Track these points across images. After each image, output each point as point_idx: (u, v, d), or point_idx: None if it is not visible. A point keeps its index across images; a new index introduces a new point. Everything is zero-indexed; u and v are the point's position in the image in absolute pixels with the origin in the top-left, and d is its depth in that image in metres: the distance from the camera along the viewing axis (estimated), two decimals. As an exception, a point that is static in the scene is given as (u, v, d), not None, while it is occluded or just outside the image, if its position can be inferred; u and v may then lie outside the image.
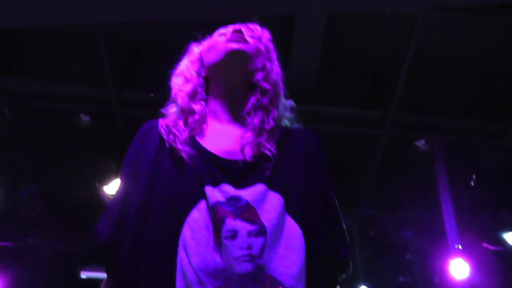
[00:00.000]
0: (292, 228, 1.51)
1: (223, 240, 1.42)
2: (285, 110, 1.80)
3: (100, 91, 5.02)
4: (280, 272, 1.42)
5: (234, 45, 1.71)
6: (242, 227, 1.44)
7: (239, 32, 1.76)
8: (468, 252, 6.34)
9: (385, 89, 5.06)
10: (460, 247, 6.39)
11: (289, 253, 1.46)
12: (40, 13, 2.89)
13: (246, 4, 3.48)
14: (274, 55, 1.85)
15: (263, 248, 1.42)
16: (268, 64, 1.78)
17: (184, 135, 1.67)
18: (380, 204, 6.35)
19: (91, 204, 5.67)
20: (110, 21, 4.12)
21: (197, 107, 1.73)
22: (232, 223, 1.44)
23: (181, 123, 1.70)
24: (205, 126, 1.72)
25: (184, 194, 1.53)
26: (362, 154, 5.73)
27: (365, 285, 6.72)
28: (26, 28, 4.57)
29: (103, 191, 5.28)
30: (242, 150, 1.62)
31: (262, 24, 4.44)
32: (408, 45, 4.55)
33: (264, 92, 1.73)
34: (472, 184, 5.67)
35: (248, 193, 1.51)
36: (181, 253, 1.44)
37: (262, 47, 1.79)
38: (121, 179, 1.70)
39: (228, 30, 1.80)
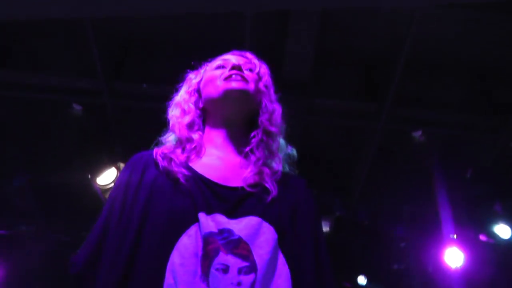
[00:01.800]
0: (284, 267, 1.50)
1: (214, 271, 1.39)
2: (285, 151, 1.81)
3: (91, 82, 4.94)
4: None
5: (234, 84, 1.70)
6: (234, 263, 1.41)
7: (239, 68, 1.73)
8: (462, 242, 6.35)
9: (381, 82, 4.99)
10: (455, 237, 6.40)
11: None
12: (29, 7, 2.82)
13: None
14: (273, 92, 1.84)
15: (252, 285, 1.40)
16: (269, 105, 1.78)
17: (181, 159, 1.67)
18: (375, 195, 6.33)
19: (83, 194, 5.65)
20: (99, 16, 4.03)
21: (195, 136, 1.74)
22: (224, 257, 1.42)
23: (178, 150, 1.71)
24: (202, 155, 1.72)
25: (176, 218, 1.50)
26: (357, 146, 5.69)
27: (361, 274, 6.79)
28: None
29: (95, 183, 5.22)
30: (242, 178, 1.62)
31: (256, 17, 4.33)
32: (405, 38, 4.46)
33: (268, 134, 1.74)
34: (468, 177, 5.63)
35: (242, 226, 1.49)
36: (168, 280, 1.41)
37: (261, 85, 1.79)
38: (106, 204, 1.66)
39: (226, 62, 1.78)
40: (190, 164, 1.66)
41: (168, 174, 1.60)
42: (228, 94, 1.71)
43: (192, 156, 1.70)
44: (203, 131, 1.79)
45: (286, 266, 1.50)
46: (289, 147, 1.83)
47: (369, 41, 4.84)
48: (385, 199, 6.42)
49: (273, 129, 1.74)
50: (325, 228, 5.99)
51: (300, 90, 4.82)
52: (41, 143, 5.63)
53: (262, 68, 1.84)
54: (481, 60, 4.94)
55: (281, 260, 1.51)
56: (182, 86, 1.90)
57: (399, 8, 4.29)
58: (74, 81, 4.98)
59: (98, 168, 5.27)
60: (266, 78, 1.83)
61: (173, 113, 1.82)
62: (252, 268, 1.42)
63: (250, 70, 1.80)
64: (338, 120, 5.23)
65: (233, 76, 1.71)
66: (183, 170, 1.60)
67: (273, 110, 1.78)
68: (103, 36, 4.64)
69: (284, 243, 1.53)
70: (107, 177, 5.20)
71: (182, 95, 1.85)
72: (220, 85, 1.72)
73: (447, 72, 4.99)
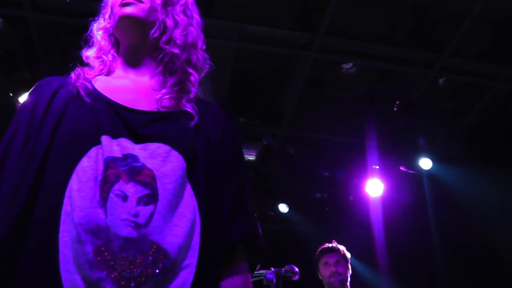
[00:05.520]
0: (190, 198, 1.44)
1: (113, 196, 1.33)
2: (202, 72, 1.71)
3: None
4: (168, 241, 1.34)
5: (124, 10, 1.60)
6: (134, 191, 1.35)
7: None
8: (384, 173, 6.61)
9: (315, 12, 4.93)
10: (377, 167, 6.65)
11: (181, 222, 1.38)
12: None
13: None
14: (179, 4, 1.72)
15: (151, 216, 1.34)
16: (169, 22, 1.66)
17: (88, 76, 1.60)
18: (302, 124, 6.41)
19: (5, 113, 5.40)
20: None
21: (106, 57, 1.68)
22: (123, 185, 1.35)
23: (88, 69, 1.65)
24: (112, 77, 1.65)
25: (77, 140, 1.42)
26: (288, 75, 5.68)
27: (283, 203, 6.91)
28: None
29: (17, 102, 4.99)
30: (155, 101, 1.55)
31: None
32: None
33: (173, 55, 1.63)
34: (395, 110, 5.77)
35: (148, 153, 1.42)
36: (66, 207, 1.34)
37: (157, 3, 1.66)
38: (9, 128, 1.52)
39: None
40: (99, 85, 1.58)
41: (77, 92, 1.52)
42: (120, 23, 1.62)
43: (102, 75, 1.64)
44: (116, 55, 1.71)
45: (194, 198, 1.44)
46: (207, 64, 1.73)
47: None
48: (313, 129, 6.52)
49: (175, 50, 1.63)
50: (251, 157, 6.04)
51: (233, 13, 4.72)
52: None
53: None
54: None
55: (189, 191, 1.44)
56: (102, 10, 1.79)
57: None
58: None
59: (20, 86, 5.03)
60: None
61: (88, 51, 1.73)
62: (152, 197, 1.36)
63: None
64: (269, 47, 5.16)
65: (126, 1, 1.60)
66: (88, 85, 1.54)
67: (174, 26, 1.66)
68: None
69: (194, 174, 1.47)
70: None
71: (99, 21, 1.76)
72: (115, 13, 1.63)
73: (383, 4, 4.98)
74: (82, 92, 1.51)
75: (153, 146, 1.44)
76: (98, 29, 1.74)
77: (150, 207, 1.35)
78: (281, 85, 5.88)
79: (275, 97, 6.08)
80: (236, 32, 4.93)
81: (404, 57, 5.35)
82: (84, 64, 1.70)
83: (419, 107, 5.75)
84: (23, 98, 5.02)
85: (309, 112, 6.13)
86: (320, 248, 4.66)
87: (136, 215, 1.32)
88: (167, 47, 1.63)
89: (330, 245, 4.63)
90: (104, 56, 1.69)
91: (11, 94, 5.01)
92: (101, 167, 1.36)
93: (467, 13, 4.89)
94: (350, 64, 5.41)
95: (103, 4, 1.78)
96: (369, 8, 4.98)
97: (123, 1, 1.61)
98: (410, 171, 6.43)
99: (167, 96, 1.56)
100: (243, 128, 5.73)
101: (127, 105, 1.52)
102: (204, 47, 1.74)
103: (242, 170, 1.64)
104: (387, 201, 6.82)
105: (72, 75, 1.58)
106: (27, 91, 4.94)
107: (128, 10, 1.60)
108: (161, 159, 1.42)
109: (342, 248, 4.60)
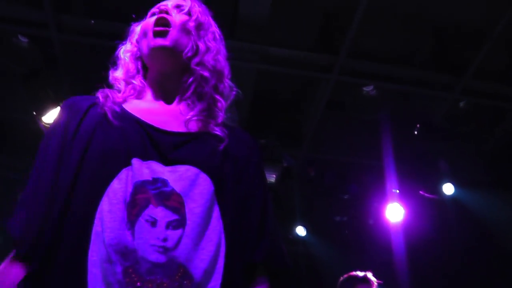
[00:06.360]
0: (217, 221, 1.46)
1: (142, 221, 1.36)
2: (230, 96, 1.74)
3: (37, 13, 4.70)
4: (195, 265, 1.37)
5: (157, 41, 1.63)
6: (163, 216, 1.38)
7: (163, 18, 1.65)
8: (404, 198, 6.52)
9: (337, 34, 4.94)
10: (398, 192, 6.57)
11: (208, 246, 1.41)
12: None
13: None
14: (210, 31, 1.75)
15: (179, 240, 1.37)
16: (201, 46, 1.68)
17: (118, 99, 1.62)
18: (323, 146, 6.39)
19: (26, 130, 5.47)
20: None
21: (135, 81, 1.71)
22: (153, 210, 1.38)
23: (117, 92, 1.67)
24: (142, 99, 1.68)
25: (108, 161, 1.45)
26: (309, 97, 5.68)
27: (301, 225, 6.85)
28: None
29: (41, 121, 5.04)
30: (184, 123, 1.58)
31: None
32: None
33: (202, 78, 1.66)
34: (416, 133, 5.73)
35: (177, 176, 1.44)
36: (97, 227, 1.37)
37: (191, 26, 1.68)
38: (40, 152, 1.55)
39: (158, 7, 1.70)
40: (128, 107, 1.60)
41: (105, 114, 1.54)
42: (153, 54, 1.65)
43: (131, 99, 1.67)
44: (145, 79, 1.74)
45: (220, 221, 1.46)
46: (233, 92, 1.76)
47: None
48: (333, 151, 6.49)
49: (205, 73, 1.66)
50: (271, 178, 6.02)
51: (255, 35, 4.75)
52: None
53: (195, 7, 1.74)
54: (439, 18, 4.94)
55: (216, 213, 1.47)
56: (130, 35, 1.83)
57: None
58: (20, 11, 4.73)
59: (44, 105, 5.09)
60: (198, 16, 1.72)
61: (115, 72, 1.76)
62: (181, 222, 1.38)
63: (178, 7, 1.72)
64: (291, 69, 5.17)
65: (157, 29, 1.63)
66: (116, 108, 1.56)
67: (206, 50, 1.69)
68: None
69: (222, 196, 1.49)
70: (53, 116, 5.03)
71: (124, 51, 1.78)
72: (147, 43, 1.66)
73: (404, 27, 4.98)
74: (110, 115, 1.53)
75: (182, 168, 1.46)
76: (126, 52, 1.77)
77: (178, 231, 1.38)
78: (302, 107, 5.88)
79: (296, 118, 6.08)
80: (258, 54, 4.95)
81: (424, 79, 5.33)
82: (109, 85, 1.73)
83: (439, 129, 5.70)
84: (46, 117, 5.07)
85: (329, 134, 6.11)
86: (349, 276, 4.24)
87: (165, 240, 1.36)
88: (198, 68, 1.65)
89: (361, 274, 4.19)
90: (133, 81, 1.71)
91: (35, 113, 5.07)
92: (130, 189, 1.39)
93: (487, 35, 4.86)
94: (371, 87, 5.39)
95: (130, 29, 1.82)
96: (390, 30, 4.98)
97: (155, 29, 1.63)
98: (431, 196, 6.34)
99: (195, 118, 1.60)
100: (263, 150, 5.73)
101: (156, 126, 1.54)
102: (229, 76, 1.77)
103: (266, 193, 1.66)
104: (408, 226, 6.72)
105: (100, 96, 1.60)
106: (51, 110, 5.03)
107: (161, 41, 1.63)
108: (190, 182, 1.45)
109: (374, 280, 4.19)
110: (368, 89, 5.44)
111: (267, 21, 4.67)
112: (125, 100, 1.65)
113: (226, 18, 4.58)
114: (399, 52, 5.22)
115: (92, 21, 4.68)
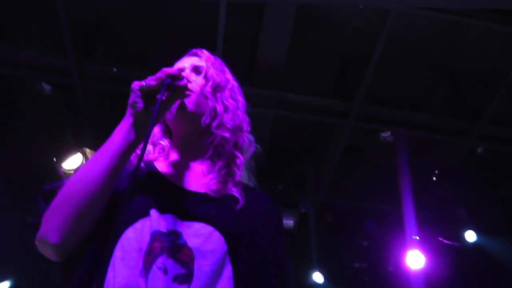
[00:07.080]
0: (229, 280, 1.47)
1: (155, 269, 1.37)
2: (249, 152, 1.79)
3: (60, 61, 4.82)
4: None
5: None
6: (172, 268, 1.39)
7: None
8: (425, 244, 6.42)
9: (352, 80, 4.99)
10: (418, 238, 6.47)
11: None
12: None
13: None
14: (227, 89, 1.79)
15: None
16: (219, 108, 1.73)
17: (150, 158, 1.72)
18: (340, 192, 6.36)
19: (47, 176, 5.51)
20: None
21: (163, 142, 1.78)
22: (166, 259, 1.39)
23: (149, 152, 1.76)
24: (170, 159, 1.75)
25: (129, 212, 1.48)
26: (325, 142, 5.69)
27: (319, 271, 6.74)
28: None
29: (60, 167, 5.10)
30: (204, 184, 1.63)
31: (232, 6, 4.21)
32: (379, 37, 4.48)
33: (222, 138, 1.71)
34: (434, 179, 5.69)
35: (192, 232, 1.48)
36: (110, 274, 1.39)
37: (208, 91, 1.73)
38: None
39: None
40: (156, 164, 1.69)
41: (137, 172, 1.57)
42: (172, 118, 1.71)
43: (160, 158, 1.74)
44: (171, 139, 1.81)
45: (232, 281, 1.46)
46: (252, 147, 1.81)
47: (344, 38, 4.84)
48: (351, 197, 6.45)
49: (226, 134, 1.71)
50: (289, 224, 5.98)
51: (272, 82, 4.81)
52: (7, 121, 5.47)
53: (211, 69, 1.79)
54: (454, 63, 4.98)
55: (228, 273, 1.47)
56: None
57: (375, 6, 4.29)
58: (42, 58, 4.85)
59: (64, 151, 5.15)
60: (214, 79, 1.76)
61: None
62: (187, 277, 1.39)
63: (196, 69, 1.78)
64: (308, 115, 5.22)
65: None
66: (146, 168, 1.64)
67: (225, 110, 1.74)
68: (74, 14, 4.51)
69: (237, 256, 1.50)
70: (72, 162, 5.08)
71: None
72: None
73: (420, 73, 5.02)
74: (141, 173, 1.58)
75: (198, 225, 1.50)
76: None
77: (183, 287, 1.38)
78: (319, 152, 5.89)
79: (313, 164, 6.08)
80: (275, 100, 5.00)
81: (441, 125, 5.33)
82: None
83: (458, 175, 5.66)
84: (66, 163, 5.12)
85: (347, 179, 6.09)
86: None
87: None
88: (218, 132, 1.70)
89: None
90: (160, 141, 1.78)
91: (55, 159, 5.13)
92: (147, 238, 1.42)
93: (502, 80, 4.87)
94: (388, 133, 5.40)
95: None
96: (405, 76, 5.02)
97: None
98: (453, 244, 6.23)
99: (215, 181, 1.64)
100: (280, 195, 5.72)
101: (179, 185, 1.61)
102: (249, 129, 1.82)
103: (284, 253, 1.67)
104: (429, 273, 6.58)
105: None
106: (71, 156, 5.08)
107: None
108: (204, 239, 1.47)
109: None
110: (386, 135, 5.45)
111: (285, 67, 4.74)
112: (154, 159, 1.72)
113: (244, 64, 4.67)
114: (415, 97, 5.24)
115: (115, 69, 4.79)
